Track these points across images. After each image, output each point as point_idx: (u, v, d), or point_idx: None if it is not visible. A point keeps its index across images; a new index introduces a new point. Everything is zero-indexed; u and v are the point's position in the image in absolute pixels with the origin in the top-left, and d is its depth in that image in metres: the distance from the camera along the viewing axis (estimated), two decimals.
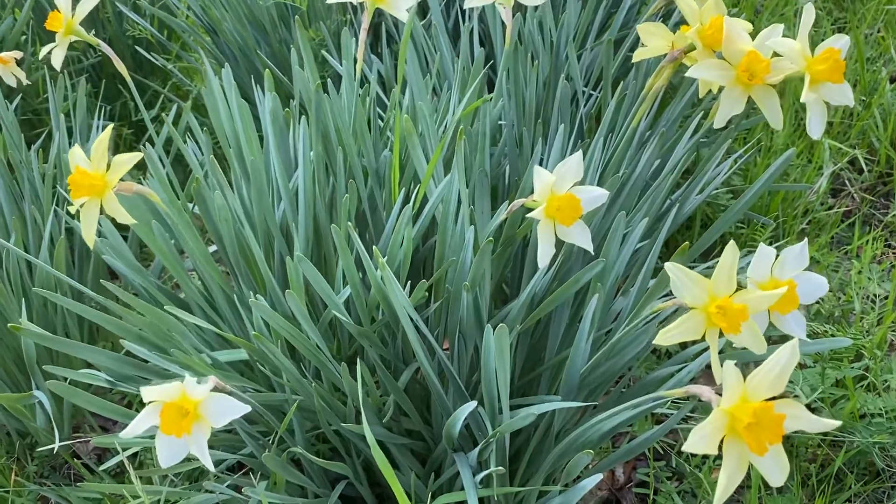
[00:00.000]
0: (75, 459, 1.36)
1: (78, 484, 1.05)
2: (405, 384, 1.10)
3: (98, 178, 0.89)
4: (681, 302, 0.80)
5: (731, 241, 0.77)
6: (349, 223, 0.97)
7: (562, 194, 0.81)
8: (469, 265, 0.93)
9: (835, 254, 1.59)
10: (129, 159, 0.89)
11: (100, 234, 1.20)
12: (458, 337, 1.00)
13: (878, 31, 2.18)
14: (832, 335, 1.23)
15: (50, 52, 1.10)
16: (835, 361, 1.25)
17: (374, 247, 0.84)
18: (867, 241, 1.54)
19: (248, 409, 0.78)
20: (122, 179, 0.89)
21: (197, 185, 1.01)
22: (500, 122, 1.31)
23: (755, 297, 0.78)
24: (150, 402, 0.75)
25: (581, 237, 0.83)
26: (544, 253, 0.82)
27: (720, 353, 0.81)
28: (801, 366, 1.32)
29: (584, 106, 1.29)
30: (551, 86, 1.29)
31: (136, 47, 1.92)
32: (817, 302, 1.51)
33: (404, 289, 1.01)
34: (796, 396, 1.20)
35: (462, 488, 0.98)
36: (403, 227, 0.96)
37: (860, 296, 1.40)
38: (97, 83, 1.93)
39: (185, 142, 1.22)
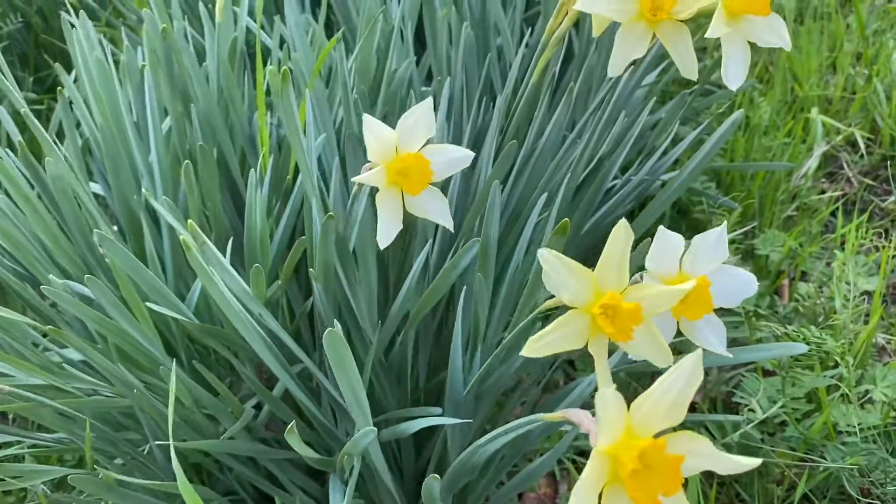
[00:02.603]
0: None
1: None
2: (282, 392, 0.94)
3: None
4: (560, 300, 0.62)
5: (623, 220, 0.60)
6: (219, 192, 0.81)
7: (405, 154, 0.64)
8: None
9: (816, 243, 1.39)
10: None
11: None
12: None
13: (889, 1, 1.97)
14: (805, 339, 1.04)
15: None
16: (803, 370, 1.06)
17: (189, 221, 0.67)
18: (850, 229, 1.35)
19: None
20: None
21: (22, 151, 0.85)
22: (423, 89, 1.13)
23: (651, 293, 0.60)
24: None
25: (435, 210, 0.66)
26: (385, 230, 0.65)
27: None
28: (764, 372, 1.13)
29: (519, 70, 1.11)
30: (481, 44, 1.11)
31: (64, 14, 1.76)
32: (796, 299, 1.32)
33: (268, 280, 0.85)
34: (751, 410, 1.01)
35: None
36: (256, 202, 0.79)
37: (841, 292, 1.21)
38: (24, 51, 1.78)
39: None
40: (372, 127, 0.63)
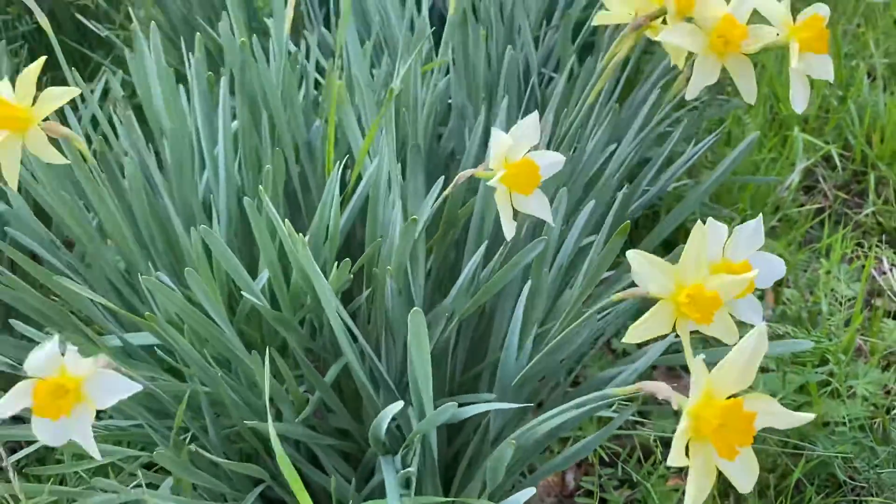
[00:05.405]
0: None
1: None
2: (333, 379, 1.01)
3: (21, 110, 0.80)
4: (640, 292, 0.71)
5: (699, 221, 0.69)
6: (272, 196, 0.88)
7: (518, 160, 0.74)
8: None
9: (804, 251, 1.51)
10: (61, 94, 0.81)
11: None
12: (385, 329, 0.91)
13: (859, 26, 2.11)
14: (795, 338, 1.16)
15: None
16: (797, 366, 1.17)
17: (285, 221, 0.75)
18: (836, 239, 1.47)
19: (139, 387, 0.68)
20: None
21: (101, 148, 0.91)
22: (449, 101, 1.22)
23: (726, 282, 0.70)
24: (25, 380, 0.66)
25: (540, 207, 0.77)
26: (508, 226, 0.75)
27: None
28: (762, 369, 1.24)
29: (541, 86, 1.20)
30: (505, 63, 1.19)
31: (78, 15, 1.81)
32: (784, 303, 1.43)
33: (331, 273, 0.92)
34: None
35: None
36: (330, 203, 0.87)
37: (828, 297, 1.32)
38: (36, 52, 1.82)
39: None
40: (496, 136, 0.74)
